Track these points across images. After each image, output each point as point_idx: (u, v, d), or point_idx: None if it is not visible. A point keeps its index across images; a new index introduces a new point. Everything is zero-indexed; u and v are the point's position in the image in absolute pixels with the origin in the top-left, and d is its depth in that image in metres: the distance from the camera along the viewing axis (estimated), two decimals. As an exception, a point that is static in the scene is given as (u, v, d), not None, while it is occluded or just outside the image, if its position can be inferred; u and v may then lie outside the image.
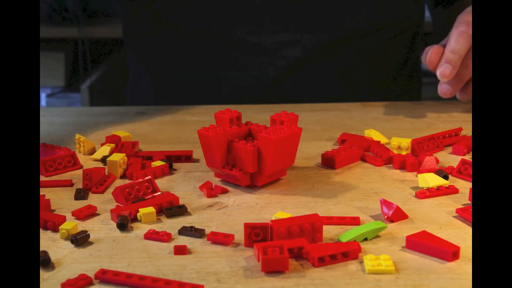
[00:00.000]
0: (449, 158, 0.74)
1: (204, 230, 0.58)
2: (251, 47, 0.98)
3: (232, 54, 0.99)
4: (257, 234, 0.55)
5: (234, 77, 1.00)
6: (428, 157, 0.70)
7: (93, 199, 0.65)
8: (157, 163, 0.71)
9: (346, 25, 0.99)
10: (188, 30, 0.99)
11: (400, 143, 0.74)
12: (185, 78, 1.03)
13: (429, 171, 0.69)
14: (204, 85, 1.03)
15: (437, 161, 0.72)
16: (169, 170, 0.71)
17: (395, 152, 0.74)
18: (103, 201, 0.64)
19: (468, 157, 0.74)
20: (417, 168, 0.70)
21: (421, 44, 1.09)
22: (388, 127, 0.83)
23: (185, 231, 0.58)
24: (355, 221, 0.59)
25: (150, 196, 0.64)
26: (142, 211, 0.60)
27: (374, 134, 0.79)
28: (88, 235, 0.57)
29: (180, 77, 1.04)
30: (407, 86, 1.09)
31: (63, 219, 0.59)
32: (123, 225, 0.58)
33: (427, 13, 1.11)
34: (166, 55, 1.03)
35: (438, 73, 0.83)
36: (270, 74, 0.99)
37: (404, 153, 0.74)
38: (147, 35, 1.03)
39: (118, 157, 0.71)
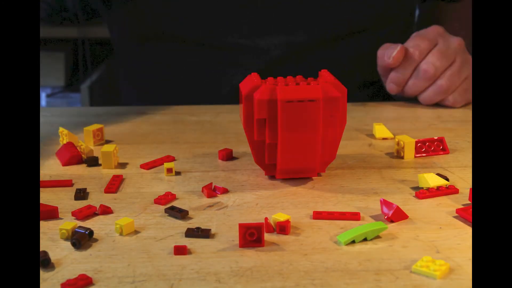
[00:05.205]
0: (449, 159, 0.74)
1: (210, 230, 0.58)
2: (247, 48, 0.98)
3: (230, 54, 0.99)
4: (251, 234, 0.55)
5: (233, 76, 1.00)
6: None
7: (93, 200, 0.65)
8: (169, 165, 0.71)
9: (344, 24, 0.99)
10: (184, 34, 1.00)
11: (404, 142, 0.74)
12: (184, 78, 1.03)
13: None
14: (203, 85, 1.03)
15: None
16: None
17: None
18: (103, 201, 0.64)
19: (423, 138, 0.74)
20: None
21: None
22: (388, 127, 0.83)
23: (191, 232, 0.57)
24: (355, 217, 0.60)
25: None
26: (120, 222, 0.58)
27: (380, 130, 0.81)
28: (88, 235, 0.57)
29: (179, 77, 1.04)
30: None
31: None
32: (74, 244, 0.55)
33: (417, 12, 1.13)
34: (165, 56, 1.03)
35: (388, 87, 0.92)
36: (268, 74, 0.99)
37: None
38: (143, 37, 1.04)
39: (112, 148, 0.71)
